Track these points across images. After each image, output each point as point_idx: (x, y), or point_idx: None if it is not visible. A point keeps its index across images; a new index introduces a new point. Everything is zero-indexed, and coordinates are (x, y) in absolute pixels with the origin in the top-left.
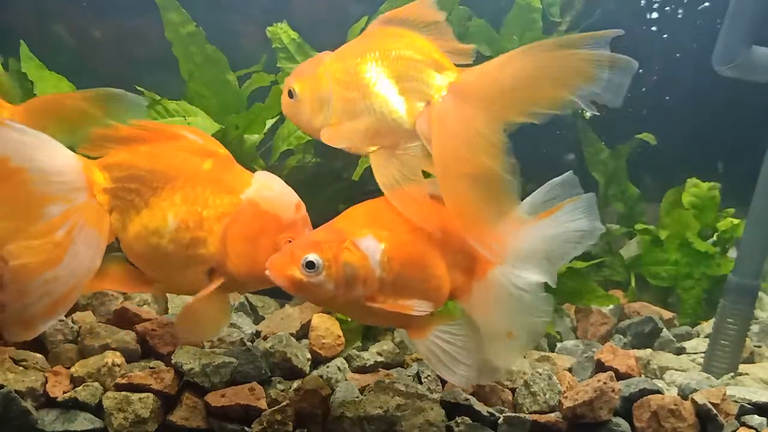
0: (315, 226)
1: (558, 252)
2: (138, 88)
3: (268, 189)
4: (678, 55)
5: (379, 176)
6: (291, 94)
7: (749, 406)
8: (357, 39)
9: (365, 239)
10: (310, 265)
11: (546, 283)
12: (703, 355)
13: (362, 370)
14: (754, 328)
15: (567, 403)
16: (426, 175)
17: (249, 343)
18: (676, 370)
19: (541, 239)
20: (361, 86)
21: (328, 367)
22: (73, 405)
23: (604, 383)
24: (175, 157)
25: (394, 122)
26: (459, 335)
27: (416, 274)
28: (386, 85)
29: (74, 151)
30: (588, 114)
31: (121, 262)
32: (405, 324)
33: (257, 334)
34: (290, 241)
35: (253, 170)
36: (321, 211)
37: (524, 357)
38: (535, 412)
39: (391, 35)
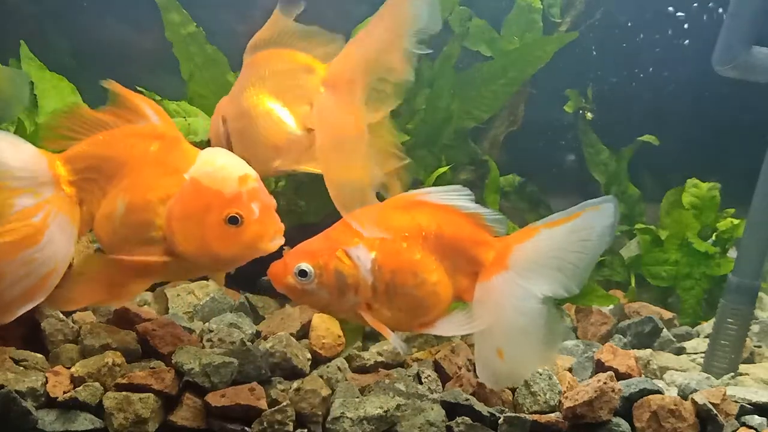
0: (315, 228)
1: (572, 264)
2: (138, 88)
3: (210, 164)
4: (678, 55)
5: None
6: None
7: (749, 406)
8: (240, 75)
9: (356, 248)
10: (302, 273)
11: (556, 300)
12: (703, 355)
13: (362, 370)
14: (754, 328)
15: (567, 403)
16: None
17: (249, 343)
18: (676, 370)
19: (552, 248)
20: (248, 115)
21: (328, 367)
22: (73, 405)
23: (605, 383)
24: (125, 144)
25: (287, 133)
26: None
27: (408, 280)
28: (268, 103)
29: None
30: (589, 115)
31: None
32: (406, 327)
33: (257, 334)
34: (237, 216)
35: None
36: (321, 213)
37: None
38: (536, 412)
39: (260, 59)
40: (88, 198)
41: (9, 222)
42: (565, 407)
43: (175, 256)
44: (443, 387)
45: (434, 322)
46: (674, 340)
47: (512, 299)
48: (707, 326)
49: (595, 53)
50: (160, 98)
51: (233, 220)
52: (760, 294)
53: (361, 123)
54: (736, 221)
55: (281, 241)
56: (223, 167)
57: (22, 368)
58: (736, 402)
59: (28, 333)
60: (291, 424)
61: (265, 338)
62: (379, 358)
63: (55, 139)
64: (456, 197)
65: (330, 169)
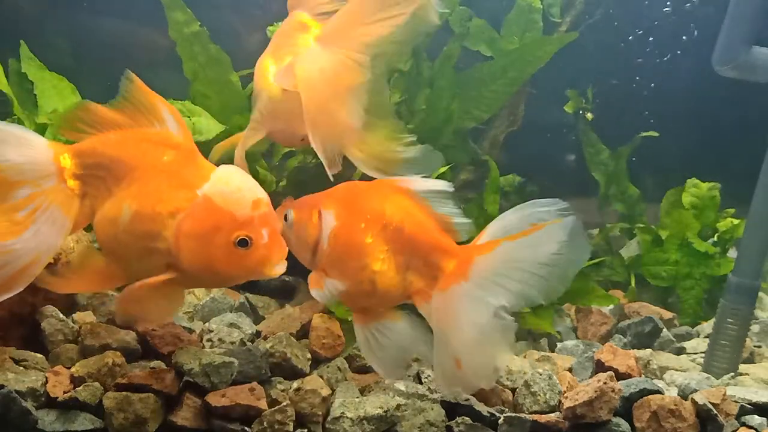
0: None
1: (541, 276)
2: None
3: (225, 184)
4: (678, 55)
5: None
6: None
7: (749, 406)
8: None
9: (328, 213)
10: (286, 217)
11: (513, 314)
12: (703, 355)
13: (362, 370)
14: (754, 328)
15: (567, 403)
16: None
17: (249, 343)
18: (676, 370)
19: (514, 260)
20: (255, 76)
21: (328, 367)
22: (73, 405)
23: (605, 383)
24: (138, 147)
25: (268, 92)
26: (395, 332)
27: (353, 259)
28: (269, 66)
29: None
30: (590, 115)
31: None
32: (352, 306)
33: (257, 334)
34: (246, 239)
35: (256, 171)
36: None
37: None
38: (536, 412)
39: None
40: (92, 193)
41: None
42: (565, 407)
43: (176, 271)
44: None
45: (381, 312)
46: (674, 340)
47: (470, 311)
48: (707, 326)
49: (594, 53)
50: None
51: (242, 243)
52: (760, 294)
53: (350, 82)
54: (736, 221)
55: (284, 267)
56: (239, 189)
57: (22, 368)
58: (736, 402)
59: (28, 333)
60: (291, 424)
61: (265, 338)
62: None
63: (68, 131)
64: (436, 187)
65: (314, 126)
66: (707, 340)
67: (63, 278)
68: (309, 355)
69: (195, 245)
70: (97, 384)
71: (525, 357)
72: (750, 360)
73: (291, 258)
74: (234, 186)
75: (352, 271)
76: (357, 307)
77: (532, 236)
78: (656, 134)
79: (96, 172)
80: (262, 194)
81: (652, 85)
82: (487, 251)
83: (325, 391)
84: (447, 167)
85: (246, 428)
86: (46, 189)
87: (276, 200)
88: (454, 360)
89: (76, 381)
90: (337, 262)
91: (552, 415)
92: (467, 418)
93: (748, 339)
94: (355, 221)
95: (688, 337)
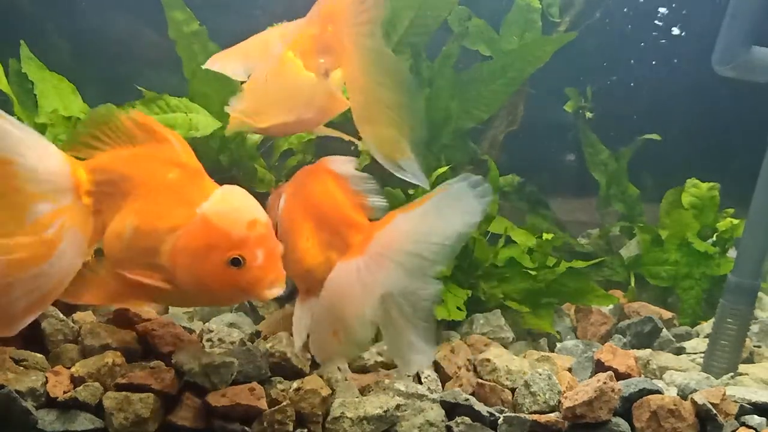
0: None
1: (432, 246)
2: (139, 87)
3: (223, 203)
4: (678, 55)
5: None
6: None
7: (749, 406)
8: None
9: (282, 197)
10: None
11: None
12: (702, 355)
13: (362, 370)
14: (754, 328)
15: (567, 403)
16: None
17: (249, 343)
18: (676, 370)
19: (409, 233)
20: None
21: (328, 367)
22: (73, 405)
23: (604, 383)
24: (145, 165)
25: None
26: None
27: (289, 238)
28: (293, 58)
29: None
30: (589, 114)
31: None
32: (301, 288)
33: (257, 334)
34: (239, 259)
35: (254, 170)
36: None
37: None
38: (535, 412)
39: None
40: (103, 209)
41: (24, 232)
42: (564, 407)
43: (174, 285)
44: (443, 387)
45: (313, 290)
46: (674, 340)
47: (359, 286)
48: (707, 326)
49: (593, 53)
50: (159, 95)
51: (235, 262)
52: (760, 294)
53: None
54: (735, 221)
55: (280, 290)
56: (236, 209)
57: (22, 368)
58: (735, 402)
59: (28, 333)
60: (291, 424)
61: (265, 338)
62: (379, 358)
63: (80, 146)
64: (352, 169)
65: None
66: (707, 340)
67: (70, 287)
68: (309, 355)
69: (190, 262)
70: (97, 384)
71: (524, 357)
72: (750, 360)
73: None
74: (232, 205)
75: (289, 249)
76: (301, 288)
77: (424, 206)
78: (659, 138)
79: (107, 189)
80: (262, 215)
81: (652, 85)
82: (383, 226)
83: (325, 391)
84: (447, 167)
85: (246, 428)
86: (67, 206)
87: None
88: (332, 331)
89: (76, 381)
90: (284, 241)
91: (551, 415)
92: (467, 418)
93: (747, 339)
94: (293, 202)
95: (688, 337)
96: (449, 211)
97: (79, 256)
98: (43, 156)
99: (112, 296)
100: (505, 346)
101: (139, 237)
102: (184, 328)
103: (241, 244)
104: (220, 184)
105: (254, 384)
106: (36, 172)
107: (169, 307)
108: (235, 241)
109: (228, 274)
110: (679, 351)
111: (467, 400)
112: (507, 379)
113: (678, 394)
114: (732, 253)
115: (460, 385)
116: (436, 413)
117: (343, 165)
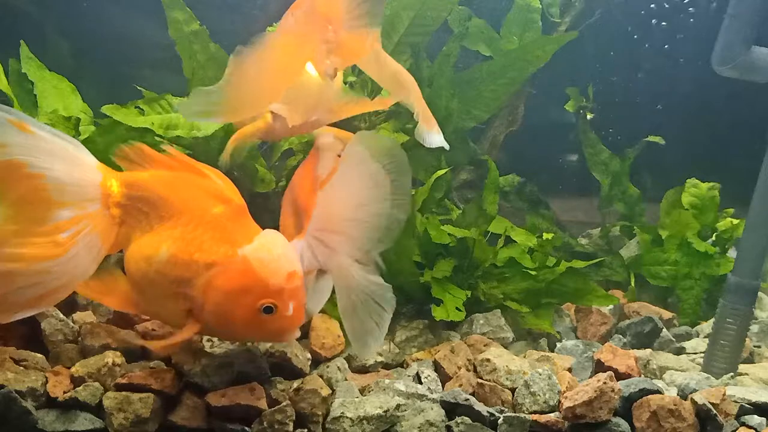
0: None
1: (365, 209)
2: (138, 87)
3: (266, 251)
4: (678, 55)
5: None
6: None
7: (749, 406)
8: None
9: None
10: None
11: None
12: (702, 355)
13: (362, 370)
14: (754, 328)
15: (567, 403)
16: None
17: (249, 343)
18: (676, 370)
19: (337, 203)
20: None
21: (328, 367)
22: (73, 405)
23: (604, 383)
24: (189, 193)
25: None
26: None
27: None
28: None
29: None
30: (590, 114)
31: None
32: None
33: None
34: (272, 307)
35: (254, 170)
36: None
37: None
38: (535, 412)
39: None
40: (131, 223)
41: (41, 232)
42: (564, 407)
43: (195, 319)
44: (443, 387)
45: None
46: (674, 340)
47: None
48: (707, 326)
49: (594, 53)
50: (160, 95)
51: (268, 310)
52: (760, 294)
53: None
54: (735, 221)
55: (298, 334)
56: (277, 258)
57: (22, 368)
58: (735, 402)
59: (28, 333)
60: (291, 423)
61: None
62: (379, 358)
63: (120, 162)
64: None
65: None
66: (707, 340)
67: (88, 285)
68: (309, 355)
69: (222, 300)
70: (97, 384)
71: (524, 357)
72: (750, 360)
73: None
74: (275, 254)
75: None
76: None
77: (338, 173)
78: (662, 141)
79: (140, 206)
80: (298, 267)
81: (652, 85)
82: (314, 206)
83: (325, 391)
84: (447, 168)
85: (246, 428)
86: (90, 213)
87: (276, 200)
88: None
89: (76, 381)
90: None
91: (551, 415)
92: (467, 418)
93: (747, 339)
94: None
95: (688, 337)
96: (355, 176)
97: (94, 262)
98: (73, 166)
99: (123, 304)
100: (505, 346)
101: (174, 265)
102: None
103: (276, 294)
104: None
105: (254, 384)
106: (63, 184)
107: None
108: (272, 291)
109: (257, 319)
110: (679, 351)
111: (467, 400)
112: (507, 379)
113: (678, 394)
114: (732, 253)
115: (460, 385)
116: (436, 413)
117: (327, 137)
